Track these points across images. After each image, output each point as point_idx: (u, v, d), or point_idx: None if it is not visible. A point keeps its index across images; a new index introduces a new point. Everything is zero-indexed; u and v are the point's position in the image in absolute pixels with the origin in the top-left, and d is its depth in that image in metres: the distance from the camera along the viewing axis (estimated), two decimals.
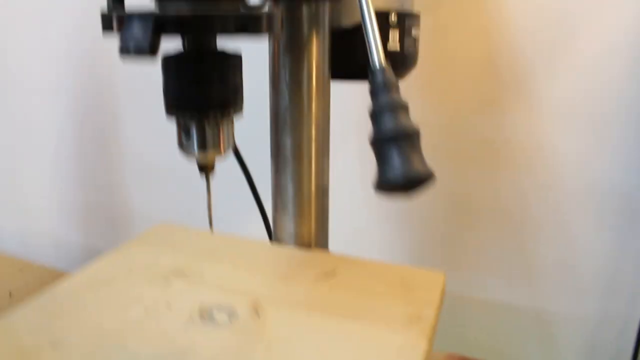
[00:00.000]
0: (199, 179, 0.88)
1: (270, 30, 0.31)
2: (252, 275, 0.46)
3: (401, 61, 0.46)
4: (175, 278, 0.45)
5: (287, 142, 0.47)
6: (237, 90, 0.35)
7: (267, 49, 0.46)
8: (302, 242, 0.50)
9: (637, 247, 0.66)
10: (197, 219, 0.93)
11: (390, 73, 0.31)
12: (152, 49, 0.28)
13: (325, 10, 0.45)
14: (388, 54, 0.49)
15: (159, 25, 0.29)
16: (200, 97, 0.34)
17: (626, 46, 0.59)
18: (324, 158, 0.48)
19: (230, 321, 0.39)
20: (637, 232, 0.66)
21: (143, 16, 0.29)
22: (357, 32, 0.49)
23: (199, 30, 0.30)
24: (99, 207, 1.00)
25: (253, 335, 0.37)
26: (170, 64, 0.34)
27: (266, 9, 0.31)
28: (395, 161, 0.29)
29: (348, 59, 0.49)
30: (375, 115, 0.30)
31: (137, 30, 0.29)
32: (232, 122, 0.36)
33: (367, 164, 0.76)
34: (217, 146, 0.35)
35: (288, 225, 0.49)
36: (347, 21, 0.48)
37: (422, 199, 0.72)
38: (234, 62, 0.34)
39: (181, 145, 0.36)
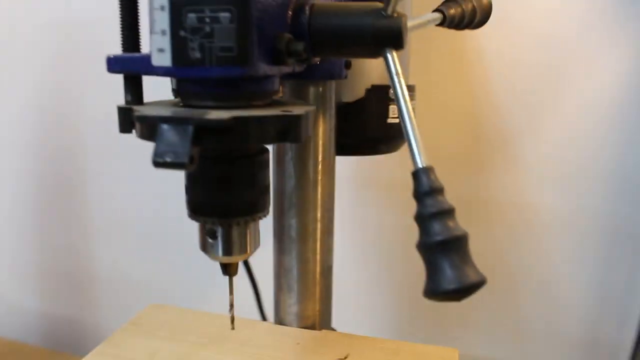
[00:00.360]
0: (164, 237, 0.83)
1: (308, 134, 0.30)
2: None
3: (400, 132, 0.45)
4: None
5: (293, 223, 0.45)
6: (266, 191, 0.33)
7: None
8: (307, 323, 0.48)
9: (620, 310, 0.69)
10: (164, 280, 0.89)
11: (434, 174, 0.30)
12: (192, 162, 0.26)
13: (332, 89, 0.44)
14: (389, 126, 0.49)
15: (198, 133, 0.26)
16: (229, 203, 0.31)
17: (609, 104, 0.61)
18: (329, 237, 0.47)
19: None
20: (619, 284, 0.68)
21: (180, 122, 0.26)
22: (358, 106, 0.48)
23: (242, 139, 0.27)
24: (57, 269, 0.93)
25: None
26: (201, 165, 0.32)
27: (304, 111, 0.29)
28: (448, 272, 0.28)
29: (350, 133, 0.48)
30: (423, 221, 0.29)
31: (174, 140, 0.26)
32: (258, 222, 0.34)
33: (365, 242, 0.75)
34: (244, 250, 0.33)
35: (292, 306, 0.47)
36: (348, 97, 0.47)
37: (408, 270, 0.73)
38: (262, 159, 0.32)
39: (204, 248, 0.34)
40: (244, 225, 0.33)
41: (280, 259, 0.47)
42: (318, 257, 0.46)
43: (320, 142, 0.44)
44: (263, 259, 0.47)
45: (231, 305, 0.37)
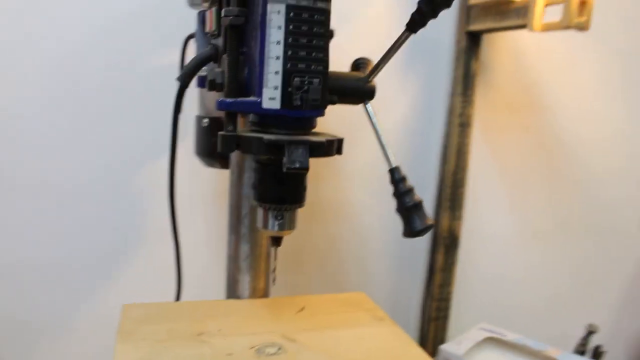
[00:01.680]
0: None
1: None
2: (260, 320, 0.60)
3: None
4: (205, 338, 0.55)
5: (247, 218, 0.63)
6: (305, 189, 0.52)
7: None
8: (259, 295, 0.66)
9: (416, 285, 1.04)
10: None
11: (400, 170, 0.54)
12: (309, 167, 0.44)
13: None
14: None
15: (312, 149, 0.44)
16: (291, 195, 0.49)
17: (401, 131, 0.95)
18: None
19: (279, 352, 0.53)
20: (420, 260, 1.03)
21: (302, 143, 0.44)
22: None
23: (326, 154, 0.47)
24: None
25: (302, 354, 0.53)
26: (273, 172, 0.48)
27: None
28: (417, 221, 0.53)
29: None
30: (400, 195, 0.53)
31: (301, 153, 0.44)
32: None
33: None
34: (291, 227, 0.51)
35: (249, 283, 0.65)
36: None
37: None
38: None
39: (265, 226, 0.50)
40: (293, 211, 0.51)
41: (237, 246, 0.64)
42: (261, 246, 0.65)
43: None
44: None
45: (274, 269, 0.54)
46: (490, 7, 0.88)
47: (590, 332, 1.02)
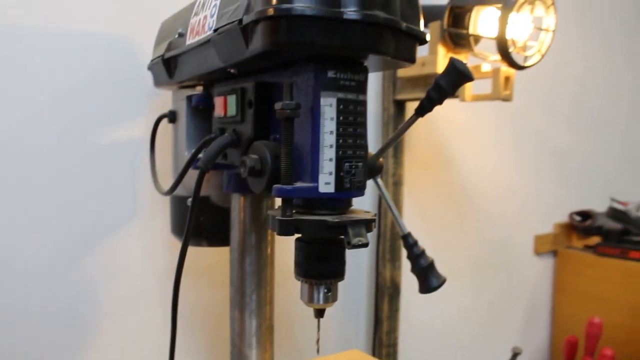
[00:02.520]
0: None
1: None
2: None
3: None
4: None
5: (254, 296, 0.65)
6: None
7: None
8: None
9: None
10: None
11: (412, 235, 0.61)
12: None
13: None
14: None
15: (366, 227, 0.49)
16: (337, 270, 0.53)
17: None
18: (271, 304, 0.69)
19: None
20: None
21: (362, 222, 0.49)
22: None
23: (371, 230, 0.51)
24: None
25: None
26: (319, 249, 0.52)
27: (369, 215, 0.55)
28: (432, 280, 0.59)
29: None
30: (415, 258, 0.59)
31: (360, 232, 0.48)
32: None
33: None
34: (334, 299, 0.54)
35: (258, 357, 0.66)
36: None
37: None
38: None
39: (310, 300, 0.53)
40: (336, 284, 0.55)
41: (242, 322, 0.65)
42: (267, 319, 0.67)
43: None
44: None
45: (317, 340, 0.56)
46: (419, 79, 1.01)
47: (515, 354, 1.16)
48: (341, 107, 0.50)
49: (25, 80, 0.77)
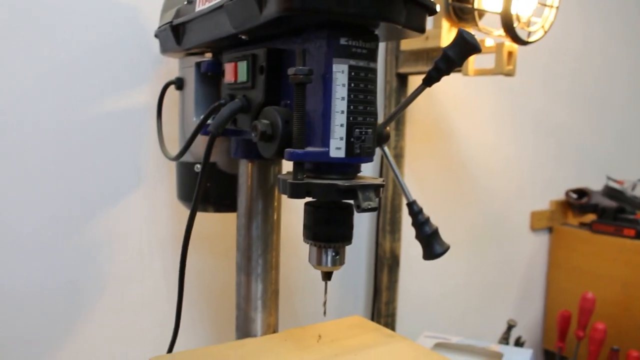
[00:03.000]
0: None
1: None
2: (292, 352, 0.63)
3: None
4: None
5: (260, 261, 0.67)
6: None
7: None
8: (271, 331, 0.69)
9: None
10: None
11: (417, 203, 0.62)
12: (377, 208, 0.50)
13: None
14: None
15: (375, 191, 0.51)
16: (346, 234, 0.54)
17: None
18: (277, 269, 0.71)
19: None
20: None
21: (371, 187, 0.50)
22: None
23: (380, 194, 0.53)
24: None
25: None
26: (327, 213, 0.53)
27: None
28: (436, 246, 0.61)
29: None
30: (420, 224, 0.61)
31: (370, 196, 0.49)
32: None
33: None
34: (342, 262, 0.56)
35: (264, 320, 0.68)
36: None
37: None
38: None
39: (319, 263, 0.54)
40: (343, 248, 0.56)
41: (249, 286, 0.67)
42: (273, 284, 0.69)
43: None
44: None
45: (325, 303, 0.58)
46: (421, 53, 1.01)
47: (510, 326, 1.19)
48: (353, 74, 0.51)
49: (29, 48, 0.77)
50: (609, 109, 1.78)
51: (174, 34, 0.70)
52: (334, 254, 0.55)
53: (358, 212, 0.51)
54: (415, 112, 1.19)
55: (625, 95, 1.84)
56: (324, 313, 0.60)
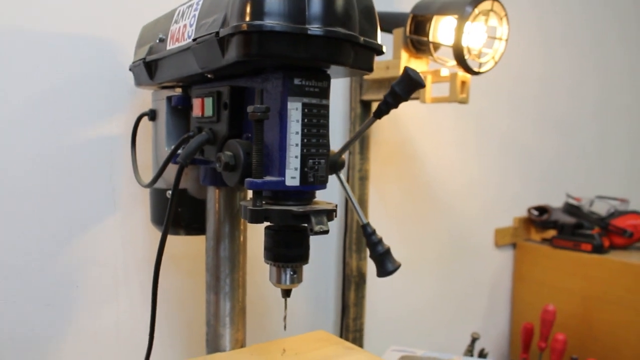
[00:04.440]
0: None
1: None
2: None
3: None
4: None
5: (228, 280, 0.72)
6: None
7: None
8: (239, 346, 0.74)
9: None
10: None
11: (370, 225, 0.68)
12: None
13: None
14: None
15: (328, 215, 0.56)
16: (302, 255, 0.60)
17: None
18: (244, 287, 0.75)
19: None
20: None
21: (324, 212, 0.55)
22: None
23: (332, 219, 0.58)
24: None
25: None
26: (285, 236, 0.58)
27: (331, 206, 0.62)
28: (388, 264, 0.66)
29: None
30: (373, 244, 0.66)
31: (322, 220, 0.55)
32: None
33: None
34: (299, 281, 0.61)
35: (232, 336, 0.73)
36: None
37: None
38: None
39: (278, 281, 0.59)
40: (301, 267, 0.62)
41: (217, 304, 0.71)
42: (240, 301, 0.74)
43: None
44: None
45: (285, 317, 0.62)
46: (383, 81, 1.08)
47: (474, 339, 1.24)
48: (306, 110, 0.56)
49: (7, 78, 0.82)
50: (572, 129, 1.87)
51: (147, 69, 0.75)
52: (292, 272, 0.60)
53: (311, 234, 0.56)
54: (380, 135, 1.25)
55: (587, 116, 1.93)
56: (284, 327, 0.65)
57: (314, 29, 0.52)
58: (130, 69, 0.82)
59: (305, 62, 0.55)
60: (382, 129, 1.25)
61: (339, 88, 1.17)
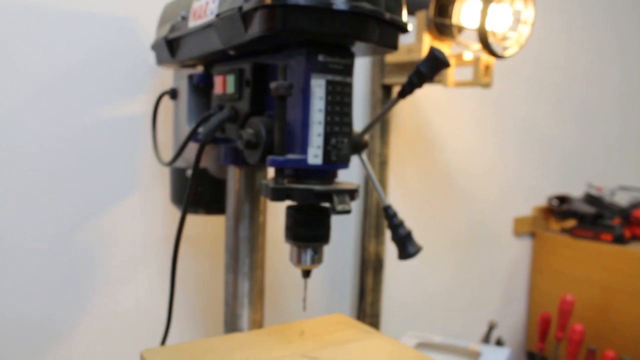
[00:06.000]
0: None
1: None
2: (276, 346, 0.67)
3: None
4: None
5: (246, 260, 0.71)
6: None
7: None
8: (258, 326, 0.74)
9: None
10: None
11: (392, 206, 0.67)
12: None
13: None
14: None
15: (351, 195, 0.56)
16: (323, 235, 0.59)
17: None
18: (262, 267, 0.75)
19: None
20: None
21: (345, 191, 0.55)
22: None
23: (354, 199, 0.58)
24: None
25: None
26: (307, 216, 0.58)
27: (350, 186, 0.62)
28: (410, 247, 0.66)
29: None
30: (394, 226, 0.66)
31: (345, 200, 0.54)
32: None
33: None
34: (320, 261, 0.61)
35: (250, 316, 0.73)
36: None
37: None
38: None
39: (298, 262, 0.59)
40: (321, 247, 0.61)
41: (236, 284, 0.71)
42: (259, 282, 0.74)
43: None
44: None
45: (304, 299, 0.62)
46: (405, 65, 1.07)
47: (491, 327, 1.23)
48: (330, 88, 0.55)
49: (28, 57, 0.82)
50: (593, 117, 1.84)
51: (169, 48, 0.75)
52: (312, 253, 0.60)
53: (333, 214, 0.56)
54: (400, 120, 1.24)
55: (610, 104, 1.90)
56: (304, 308, 0.65)
57: (339, 3, 0.51)
58: (152, 48, 0.82)
59: (330, 37, 0.54)
60: (403, 114, 1.24)
61: (360, 71, 1.16)
